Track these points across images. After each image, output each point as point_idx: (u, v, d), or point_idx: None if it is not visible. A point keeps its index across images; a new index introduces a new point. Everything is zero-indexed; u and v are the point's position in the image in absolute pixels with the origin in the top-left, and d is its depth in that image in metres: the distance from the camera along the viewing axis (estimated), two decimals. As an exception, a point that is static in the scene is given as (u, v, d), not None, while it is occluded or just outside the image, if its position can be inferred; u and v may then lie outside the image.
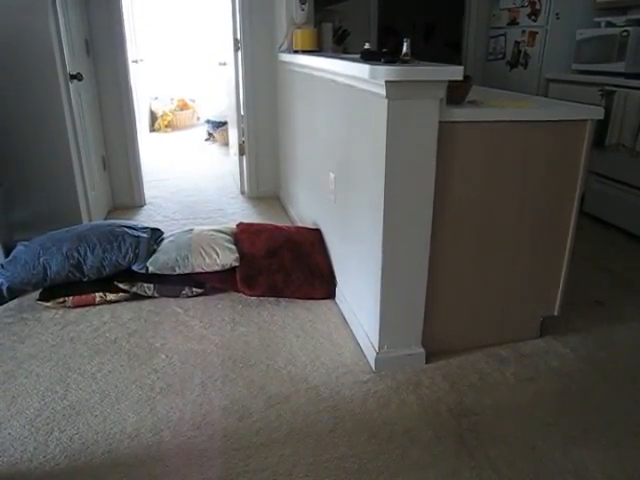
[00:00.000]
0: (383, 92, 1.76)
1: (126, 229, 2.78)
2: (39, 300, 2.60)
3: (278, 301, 2.68)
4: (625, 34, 3.54)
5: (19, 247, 2.68)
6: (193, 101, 8.20)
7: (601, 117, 2.02)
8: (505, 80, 4.73)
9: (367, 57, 2.02)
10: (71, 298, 2.60)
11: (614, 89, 3.51)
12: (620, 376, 2.12)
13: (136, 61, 6.11)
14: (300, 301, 2.67)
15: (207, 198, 4.52)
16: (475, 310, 2.23)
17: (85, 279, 2.63)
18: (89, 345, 2.32)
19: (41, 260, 2.57)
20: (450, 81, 1.79)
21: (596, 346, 2.32)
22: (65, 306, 2.61)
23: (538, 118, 1.97)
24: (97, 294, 2.63)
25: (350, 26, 4.51)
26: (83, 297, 2.62)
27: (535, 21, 4.31)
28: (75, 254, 2.59)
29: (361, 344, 2.28)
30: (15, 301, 2.66)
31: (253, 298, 2.68)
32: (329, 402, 1.95)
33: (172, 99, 8.00)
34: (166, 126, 7.76)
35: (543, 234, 2.16)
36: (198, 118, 8.16)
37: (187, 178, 5.21)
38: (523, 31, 4.46)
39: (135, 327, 2.46)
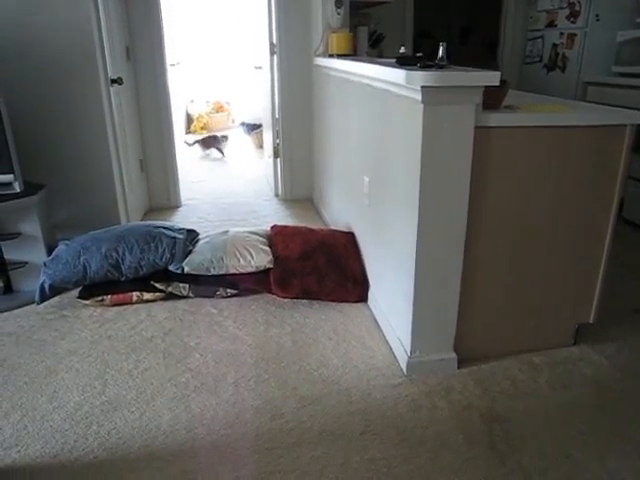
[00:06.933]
0: (419, 97, 1.76)
1: (163, 230, 2.84)
2: (79, 298, 2.68)
3: (311, 303, 2.70)
4: (668, 36, 3.45)
5: (60, 246, 2.77)
6: (228, 104, 8.30)
7: (641, 122, 1.98)
8: (542, 84, 4.67)
9: (403, 62, 2.03)
10: (109, 297, 2.68)
11: (656, 92, 3.43)
12: (658, 386, 2.07)
13: (173, 64, 6.22)
14: (333, 304, 2.69)
15: (241, 200, 4.58)
16: (508, 316, 2.21)
17: (123, 278, 2.70)
18: (126, 343, 2.38)
19: (81, 259, 2.65)
20: (487, 86, 1.79)
21: (632, 355, 2.27)
22: (103, 304, 2.68)
23: (574, 123, 1.94)
24: (134, 293, 2.70)
25: (385, 30, 4.52)
26: (121, 296, 2.69)
27: (574, 23, 4.24)
28: (114, 254, 2.66)
29: (393, 348, 2.29)
30: (56, 298, 2.75)
31: (286, 300, 2.71)
32: (360, 405, 1.96)
33: (208, 102, 8.12)
34: (202, 128, 7.88)
35: (579, 240, 2.13)
36: (233, 120, 8.27)
37: (222, 180, 5.29)
38: (561, 33, 4.39)
39: (170, 326, 2.51)
